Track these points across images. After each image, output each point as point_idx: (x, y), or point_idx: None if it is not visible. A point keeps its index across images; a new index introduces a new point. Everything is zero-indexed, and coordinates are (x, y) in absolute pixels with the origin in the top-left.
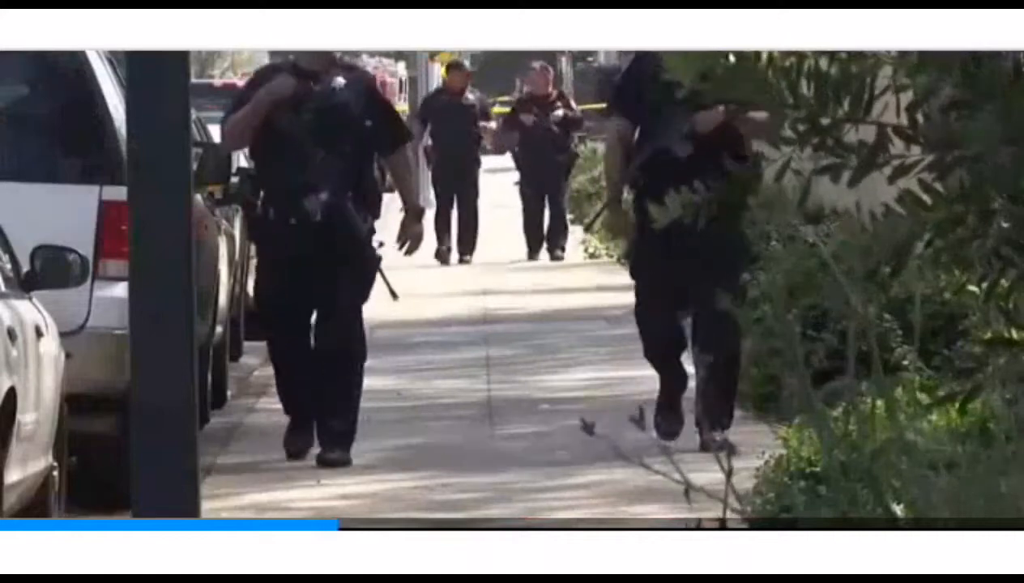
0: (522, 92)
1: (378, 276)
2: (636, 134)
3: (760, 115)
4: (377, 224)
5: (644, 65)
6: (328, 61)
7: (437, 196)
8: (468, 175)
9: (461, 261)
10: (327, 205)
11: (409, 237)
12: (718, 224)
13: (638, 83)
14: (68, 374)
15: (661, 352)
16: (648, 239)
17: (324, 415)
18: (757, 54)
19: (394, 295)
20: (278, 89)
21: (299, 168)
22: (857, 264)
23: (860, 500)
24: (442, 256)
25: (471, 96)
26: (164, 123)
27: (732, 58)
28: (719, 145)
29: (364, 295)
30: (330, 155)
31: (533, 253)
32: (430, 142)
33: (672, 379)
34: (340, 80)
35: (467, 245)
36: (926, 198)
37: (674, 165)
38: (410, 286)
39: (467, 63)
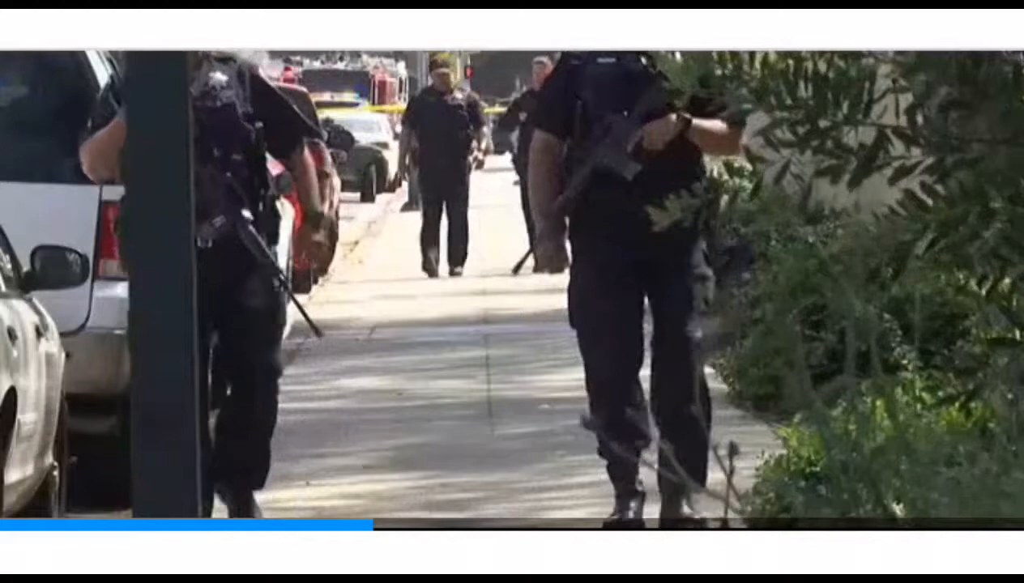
0: (521, 90)
1: (299, 312)
2: (564, 149)
3: (718, 125)
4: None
5: (573, 66)
6: (199, 56)
7: (423, 204)
8: (456, 180)
9: (452, 274)
10: (219, 230)
11: (306, 247)
12: (675, 254)
13: (566, 88)
14: (68, 374)
15: (628, 435)
16: (592, 278)
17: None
18: (753, 56)
19: (318, 332)
20: None
21: None
22: (858, 265)
23: (860, 500)
24: (430, 269)
25: (459, 95)
26: (164, 123)
27: (730, 62)
28: (672, 162)
29: (273, 335)
30: (218, 169)
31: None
32: (417, 145)
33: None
34: (219, 76)
35: (457, 257)
36: (927, 200)
37: (622, 188)
38: (410, 286)
39: (468, 62)
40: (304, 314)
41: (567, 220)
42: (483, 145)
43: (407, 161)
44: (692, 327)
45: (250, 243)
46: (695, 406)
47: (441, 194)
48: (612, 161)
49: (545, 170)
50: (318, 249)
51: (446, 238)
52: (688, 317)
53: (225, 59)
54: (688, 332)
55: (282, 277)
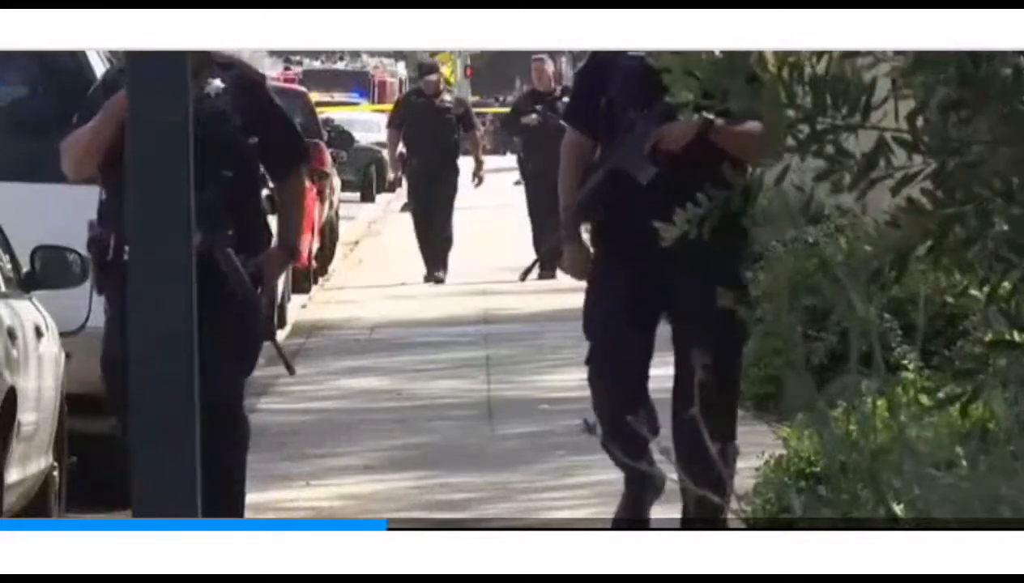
0: (522, 90)
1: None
2: (597, 151)
3: (743, 126)
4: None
5: (602, 60)
6: (200, 59)
7: (413, 212)
8: (443, 185)
9: (435, 281)
10: (201, 248)
11: (266, 274)
12: (703, 269)
13: (594, 83)
14: (68, 374)
15: (637, 449)
16: (610, 286)
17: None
18: (747, 57)
19: (291, 370)
20: None
21: None
22: (860, 268)
23: (860, 500)
24: (432, 279)
25: (448, 98)
26: (164, 123)
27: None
28: (692, 165)
29: (245, 366)
30: (204, 182)
31: (548, 270)
32: (404, 149)
33: (647, 483)
34: (216, 83)
35: (439, 264)
36: (927, 204)
37: (643, 193)
38: (410, 286)
39: (468, 62)
40: (279, 350)
41: (588, 225)
42: (479, 154)
43: (397, 164)
44: (723, 363)
45: (227, 267)
46: (719, 444)
47: (429, 198)
48: (628, 163)
49: (572, 171)
50: (272, 277)
51: (430, 244)
52: (718, 350)
53: (228, 64)
54: (717, 369)
55: (263, 306)
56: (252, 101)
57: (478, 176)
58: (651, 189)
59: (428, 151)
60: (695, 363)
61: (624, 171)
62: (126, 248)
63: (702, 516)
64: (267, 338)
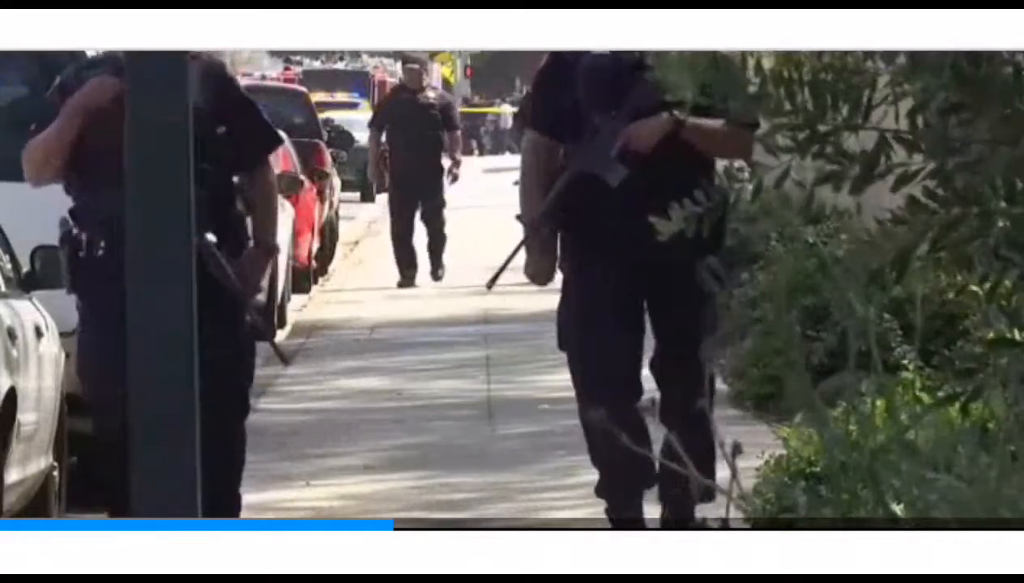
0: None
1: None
2: (561, 153)
3: (712, 124)
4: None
5: (567, 59)
6: None
7: (393, 212)
8: (431, 183)
9: (435, 279)
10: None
11: (249, 276)
12: (679, 269)
13: (560, 83)
14: (68, 374)
15: (630, 484)
16: (585, 298)
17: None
18: (746, 58)
19: (284, 360)
20: (95, 94)
21: None
22: (859, 267)
23: (860, 500)
24: (405, 283)
25: (431, 94)
26: (164, 123)
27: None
28: (675, 168)
29: (242, 367)
30: None
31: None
32: (386, 147)
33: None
34: None
35: (438, 265)
36: (929, 203)
37: (615, 197)
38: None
39: (468, 62)
40: (274, 345)
41: (558, 231)
42: (457, 153)
43: (379, 166)
44: (701, 349)
45: (216, 270)
46: (703, 432)
47: (414, 198)
48: (597, 166)
49: (534, 175)
50: (255, 281)
51: (426, 245)
52: (697, 339)
53: (193, 56)
54: (697, 354)
55: (255, 306)
56: (216, 91)
57: (452, 173)
58: (622, 190)
59: (413, 148)
60: (681, 351)
61: (593, 173)
62: (100, 245)
63: (691, 504)
64: (260, 338)
